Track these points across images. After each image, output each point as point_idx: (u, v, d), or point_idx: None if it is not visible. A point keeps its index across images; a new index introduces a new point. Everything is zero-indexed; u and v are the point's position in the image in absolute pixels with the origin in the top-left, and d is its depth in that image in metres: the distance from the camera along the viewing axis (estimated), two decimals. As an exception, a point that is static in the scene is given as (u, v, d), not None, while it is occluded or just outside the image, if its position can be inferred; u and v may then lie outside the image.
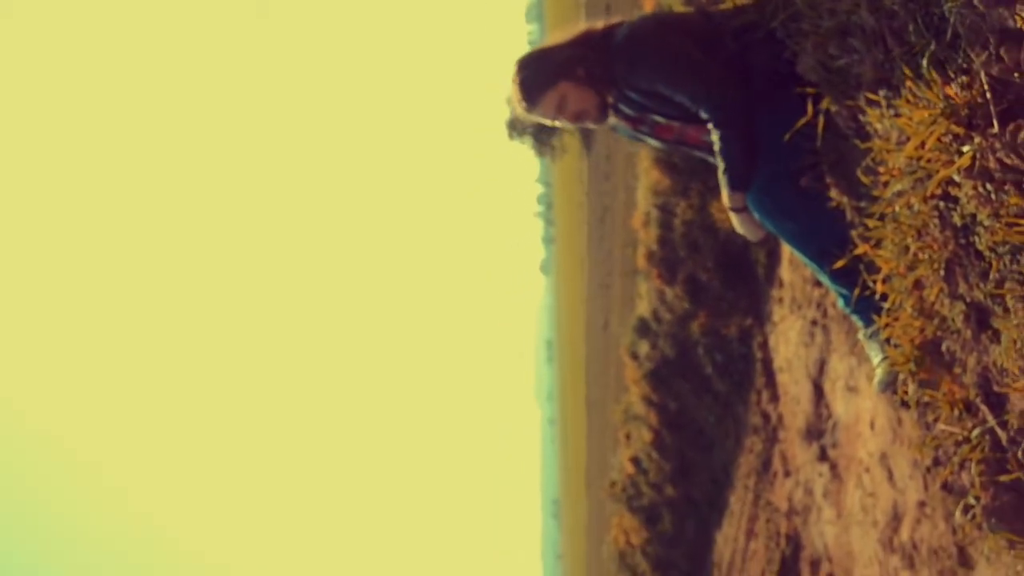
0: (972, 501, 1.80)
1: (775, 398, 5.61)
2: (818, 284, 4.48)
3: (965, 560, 2.58)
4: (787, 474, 5.15)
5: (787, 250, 5.15)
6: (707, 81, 2.51)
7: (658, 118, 2.65)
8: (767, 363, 5.80)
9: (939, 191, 1.65)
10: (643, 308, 9.11)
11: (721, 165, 2.58)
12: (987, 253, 1.57)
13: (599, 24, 2.74)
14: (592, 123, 2.78)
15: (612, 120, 2.78)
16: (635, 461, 9.56)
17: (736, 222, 2.71)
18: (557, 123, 2.77)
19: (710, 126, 2.55)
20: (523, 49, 2.81)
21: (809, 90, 2.27)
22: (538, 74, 2.67)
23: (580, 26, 2.77)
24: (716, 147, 2.56)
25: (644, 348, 8.55)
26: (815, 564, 4.39)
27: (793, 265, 5.11)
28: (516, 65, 2.73)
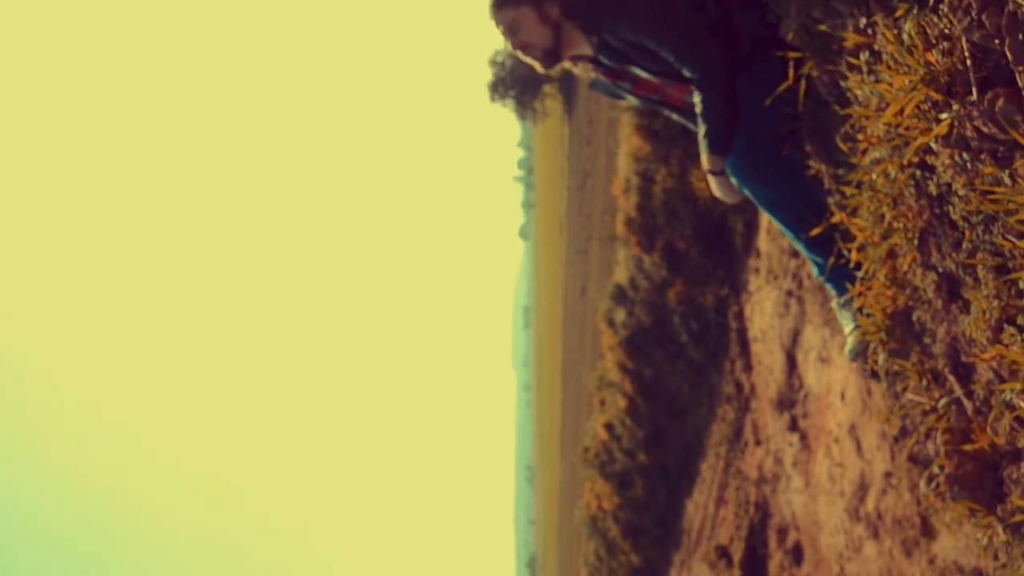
0: (936, 471, 1.81)
1: (748, 368, 5.65)
2: (795, 255, 4.49)
3: (928, 530, 2.61)
4: (758, 443, 5.20)
5: (765, 220, 5.16)
6: (694, 40, 2.47)
7: (640, 72, 2.61)
8: (742, 333, 5.83)
9: (916, 159, 1.64)
10: (620, 275, 9.12)
11: (702, 127, 2.55)
12: (961, 223, 1.56)
13: None
14: (534, 61, 2.70)
15: (592, 75, 2.74)
16: (609, 427, 9.62)
17: (714, 185, 2.69)
18: (505, 41, 2.71)
19: (693, 87, 2.52)
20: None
21: (791, 55, 2.24)
22: None
23: None
24: (698, 108, 2.53)
25: (620, 315, 8.57)
26: (782, 532, 4.45)
27: (770, 236, 5.11)
28: None
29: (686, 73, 2.50)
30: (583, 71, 2.74)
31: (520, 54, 2.71)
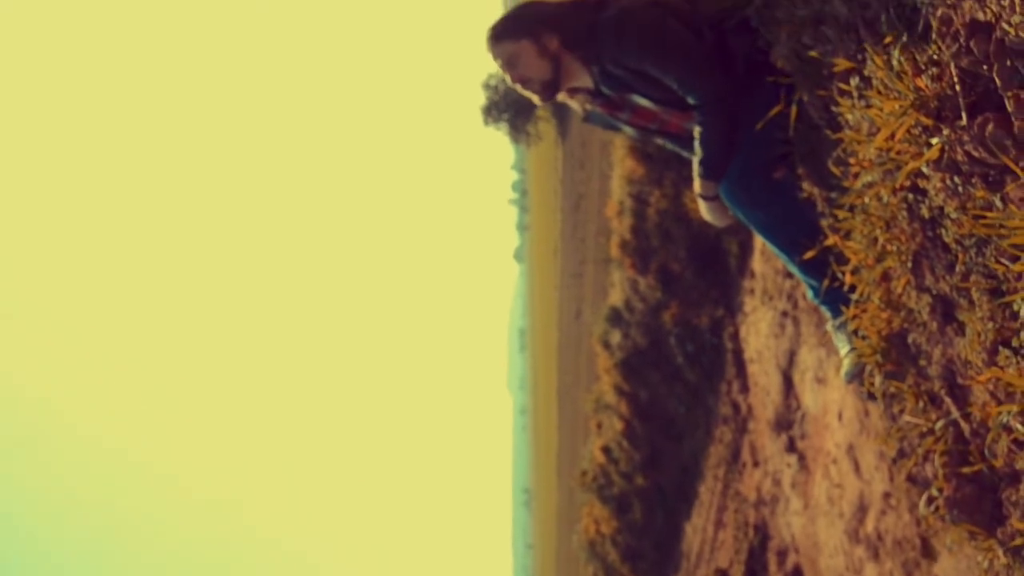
0: (935, 493, 1.81)
1: (745, 388, 5.64)
2: (789, 275, 4.50)
3: (928, 551, 2.60)
4: (756, 464, 5.19)
5: (759, 241, 5.17)
6: (697, 66, 2.45)
7: (641, 100, 2.59)
8: (738, 354, 5.83)
9: (908, 183, 1.65)
10: (616, 297, 9.13)
11: (699, 153, 2.54)
12: (953, 246, 1.57)
13: None
14: (534, 95, 2.69)
15: (587, 107, 2.72)
16: (606, 450, 9.59)
17: (704, 209, 2.69)
18: (504, 75, 2.69)
19: (696, 112, 2.50)
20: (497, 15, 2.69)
21: (782, 79, 2.26)
22: (514, 22, 2.61)
23: None
24: (697, 132, 2.51)
25: (616, 337, 8.57)
26: (782, 554, 4.43)
27: (765, 256, 5.13)
28: (513, 5, 2.68)
29: (690, 100, 2.48)
30: (579, 103, 2.72)
31: (519, 88, 2.68)
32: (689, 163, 2.64)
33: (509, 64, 2.62)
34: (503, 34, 2.60)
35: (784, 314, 4.65)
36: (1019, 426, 1.45)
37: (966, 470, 1.70)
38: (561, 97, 2.70)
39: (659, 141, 2.77)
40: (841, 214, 1.99)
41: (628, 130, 2.77)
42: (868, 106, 1.68)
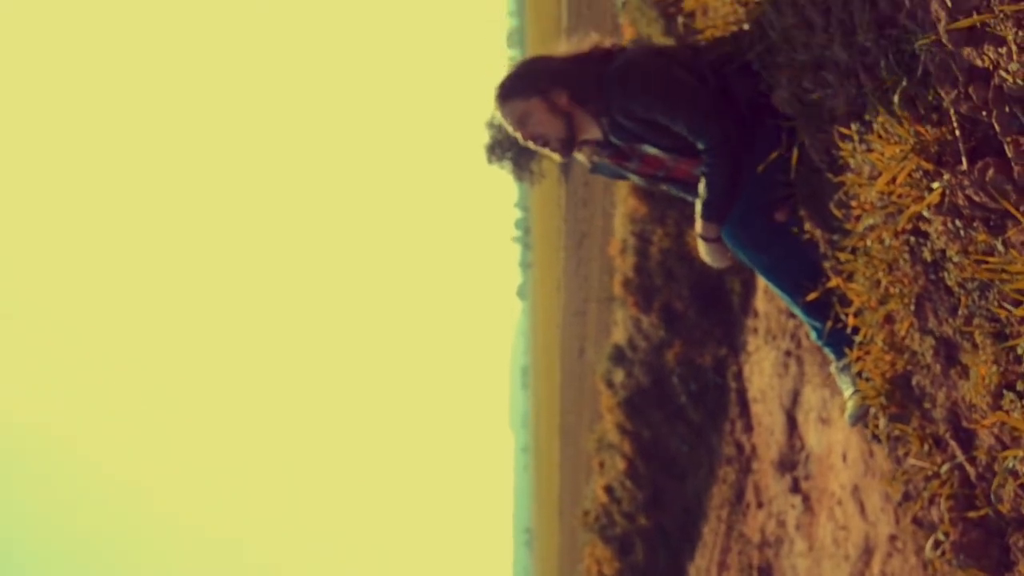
0: (942, 537, 1.80)
1: (749, 428, 5.61)
2: (792, 315, 4.50)
3: (935, 595, 2.57)
4: (760, 505, 5.15)
5: (762, 280, 5.18)
6: (705, 111, 2.46)
7: (650, 149, 2.59)
8: (741, 393, 5.81)
9: (910, 226, 1.66)
10: (619, 335, 9.11)
11: (703, 194, 2.54)
12: (956, 289, 1.57)
13: (607, 42, 2.66)
14: (549, 152, 2.68)
15: (595, 159, 2.71)
16: (608, 490, 9.52)
17: (704, 251, 2.68)
18: (515, 134, 2.66)
19: (705, 156, 2.49)
20: (502, 74, 2.68)
21: (784, 123, 2.28)
22: (519, 80, 2.60)
23: (590, 39, 2.66)
24: (704, 175, 2.51)
25: (619, 376, 8.54)
26: (786, 596, 4.37)
27: (768, 295, 5.13)
28: (515, 63, 2.67)
29: (699, 144, 2.47)
30: (585, 155, 2.71)
31: (532, 145, 2.66)
32: (691, 204, 2.65)
33: (520, 123, 2.59)
34: (512, 93, 2.58)
35: (788, 353, 4.64)
36: (1025, 471, 1.44)
37: (972, 514, 1.68)
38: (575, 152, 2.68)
39: (665, 187, 2.77)
40: (843, 256, 2.00)
41: (635, 178, 2.76)
42: (869, 150, 1.70)
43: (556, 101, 2.55)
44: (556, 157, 2.70)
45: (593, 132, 2.60)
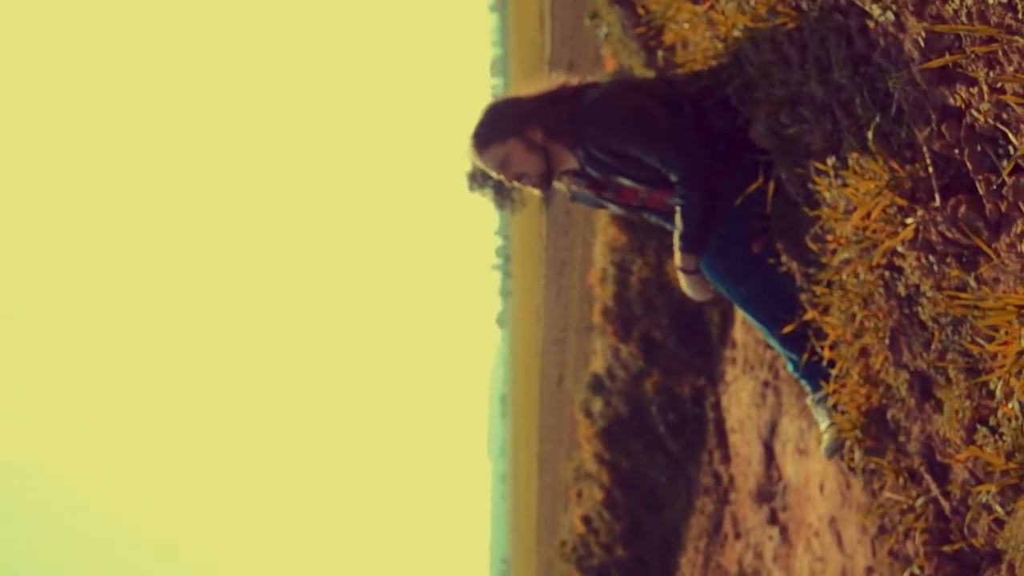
0: (917, 570, 1.80)
1: (727, 459, 5.61)
2: (770, 346, 4.52)
3: (911, 629, 2.57)
4: (737, 536, 5.13)
5: (740, 311, 5.20)
6: (677, 144, 2.49)
7: (625, 181, 2.62)
8: (719, 423, 5.81)
9: (884, 261, 1.68)
10: (597, 364, 9.11)
11: (680, 227, 2.57)
12: (930, 324, 1.59)
13: (575, 80, 2.71)
14: (532, 188, 2.73)
15: (574, 188, 2.75)
16: (586, 520, 9.47)
17: (685, 283, 2.71)
18: (499, 177, 2.72)
19: (677, 188, 2.53)
20: (486, 102, 2.72)
21: (762, 156, 2.31)
22: (493, 125, 2.63)
23: (557, 79, 2.72)
24: (679, 208, 2.54)
25: (598, 405, 8.53)
26: (764, 629, 4.35)
27: (746, 326, 5.15)
28: (483, 109, 2.70)
29: (672, 176, 2.51)
30: (565, 185, 2.75)
31: (516, 184, 2.71)
32: (671, 233, 2.68)
33: (502, 166, 2.64)
34: (489, 139, 2.62)
35: (765, 384, 4.66)
36: (998, 507, 1.45)
37: (947, 548, 1.69)
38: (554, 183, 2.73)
39: (644, 216, 2.81)
40: (819, 290, 2.01)
41: (613, 207, 2.80)
42: (844, 185, 1.72)
43: (532, 138, 2.59)
44: (537, 193, 2.75)
45: (570, 163, 2.64)
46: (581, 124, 2.54)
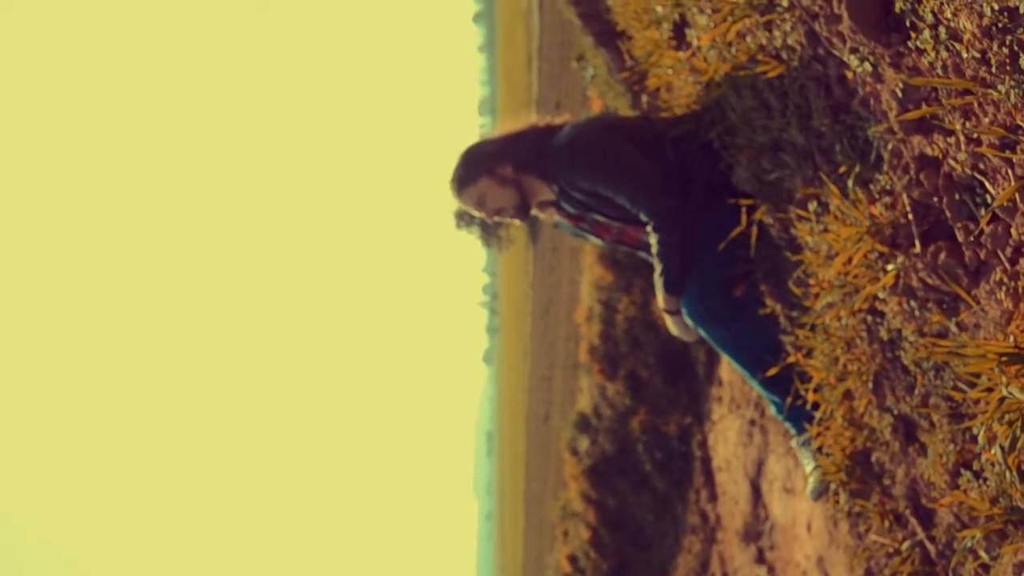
0: (904, 615, 1.80)
1: (713, 498, 5.59)
2: (754, 386, 4.52)
3: (899, 673, 2.55)
4: (725, 575, 5.10)
5: (723, 355, 5.21)
6: (646, 186, 2.54)
7: (599, 217, 2.69)
8: (706, 462, 5.80)
9: (866, 306, 1.69)
10: (584, 403, 9.09)
11: (658, 267, 2.61)
12: (913, 368, 1.60)
13: (543, 120, 2.82)
14: (511, 219, 2.85)
15: (555, 217, 2.82)
16: (572, 559, 9.38)
17: (670, 324, 2.73)
18: (480, 215, 2.85)
19: (648, 228, 2.58)
20: (449, 170, 2.86)
21: (744, 201, 2.33)
22: (466, 167, 2.74)
23: (527, 119, 2.85)
24: (654, 249, 2.58)
25: (584, 443, 8.49)
26: (752, 672, 4.31)
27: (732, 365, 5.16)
28: (459, 154, 2.81)
29: (642, 217, 2.57)
30: (547, 216, 2.85)
31: (496, 219, 2.86)
32: (654, 270, 2.71)
33: (479, 204, 2.76)
34: (464, 181, 2.74)
35: (752, 423, 4.65)
36: (983, 552, 1.45)
37: (933, 593, 1.68)
38: (534, 211, 2.84)
39: (624, 248, 2.88)
40: (802, 333, 2.02)
41: (593, 239, 2.89)
42: (826, 230, 1.74)
43: (502, 174, 2.70)
44: (516, 223, 2.89)
45: (546, 193, 2.73)
46: (554, 161, 2.64)
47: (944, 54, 1.23)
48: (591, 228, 2.75)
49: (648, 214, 2.55)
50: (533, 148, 2.67)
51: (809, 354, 2.02)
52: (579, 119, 2.83)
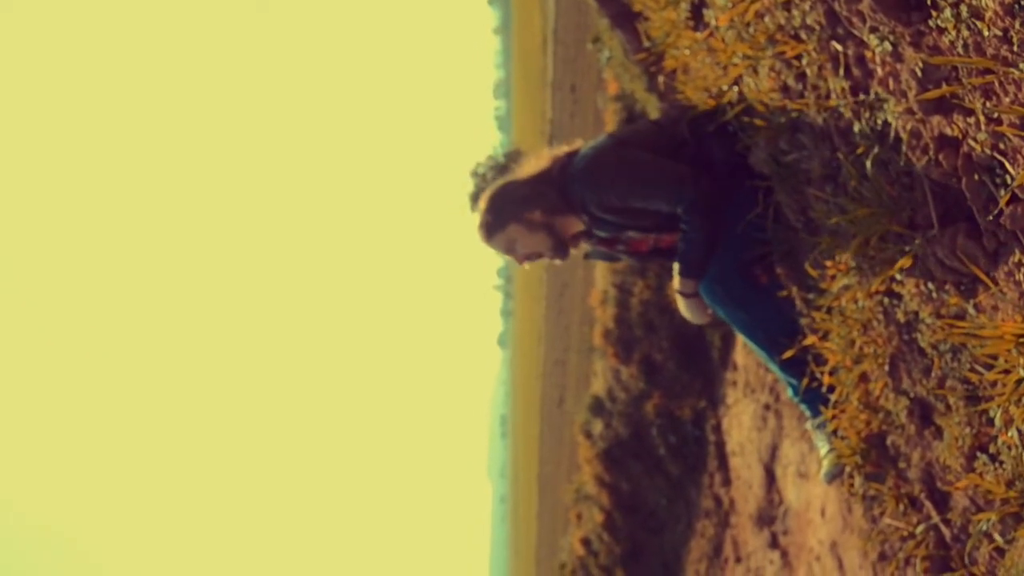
0: (918, 598, 1.79)
1: (727, 482, 5.59)
2: (771, 369, 4.51)
3: (912, 656, 2.55)
4: (738, 560, 5.10)
5: (740, 336, 5.20)
6: (677, 180, 2.53)
7: (633, 234, 2.71)
8: (720, 446, 5.80)
9: (883, 288, 1.68)
10: (598, 386, 9.10)
11: (680, 251, 2.60)
12: (929, 351, 1.59)
13: (563, 150, 2.79)
14: (551, 262, 2.82)
15: (586, 248, 2.84)
16: (585, 542, 9.42)
17: (683, 306, 2.73)
18: (512, 260, 2.82)
19: (683, 215, 2.55)
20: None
21: (761, 183, 2.32)
22: (494, 214, 2.73)
23: (546, 155, 2.80)
24: (682, 232, 2.57)
25: (598, 427, 8.51)
26: (764, 655, 4.32)
27: (747, 349, 5.14)
28: (484, 199, 2.79)
29: (679, 211, 2.54)
30: (579, 249, 2.84)
31: (528, 265, 2.84)
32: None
33: (510, 250, 2.76)
34: (492, 228, 2.73)
35: (766, 407, 4.65)
36: (998, 535, 1.45)
37: (947, 576, 1.68)
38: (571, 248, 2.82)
39: (656, 262, 2.89)
40: (819, 315, 2.02)
41: (627, 259, 2.90)
42: (843, 211, 1.73)
43: (531, 219, 2.69)
44: (558, 262, 2.84)
45: (577, 226, 2.72)
46: (578, 190, 2.62)
47: (965, 33, 1.21)
48: (626, 248, 2.77)
49: (685, 202, 2.52)
50: (557, 186, 2.65)
51: (825, 336, 2.02)
52: (589, 143, 2.80)
